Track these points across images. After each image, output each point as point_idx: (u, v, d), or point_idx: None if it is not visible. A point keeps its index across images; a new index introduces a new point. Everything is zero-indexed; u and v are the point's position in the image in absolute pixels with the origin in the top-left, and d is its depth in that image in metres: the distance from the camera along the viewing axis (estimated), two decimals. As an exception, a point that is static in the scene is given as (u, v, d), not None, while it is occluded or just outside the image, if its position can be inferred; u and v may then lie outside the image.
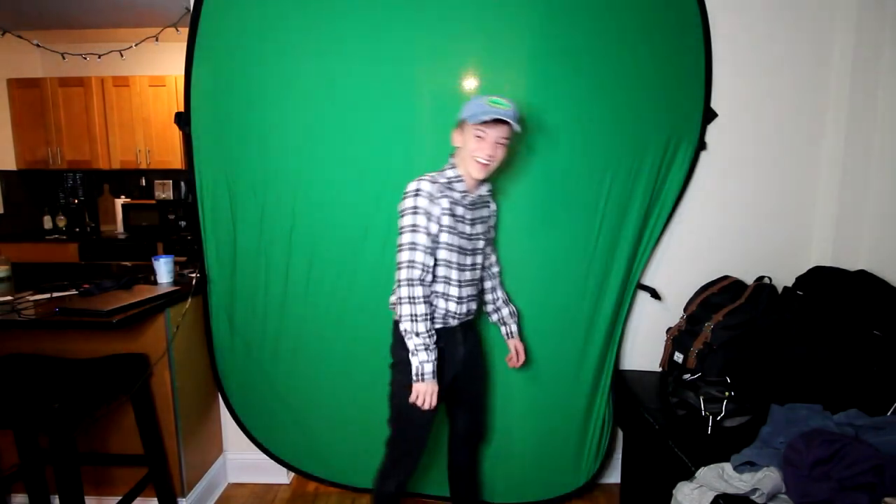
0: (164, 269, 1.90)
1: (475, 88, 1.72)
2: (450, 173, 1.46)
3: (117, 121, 3.87)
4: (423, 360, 1.37)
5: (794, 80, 1.86)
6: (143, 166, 3.92)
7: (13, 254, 2.86)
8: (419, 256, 1.38)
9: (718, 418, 1.54)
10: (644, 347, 2.01)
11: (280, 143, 1.77)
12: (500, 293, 1.74)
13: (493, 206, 1.65)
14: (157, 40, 3.64)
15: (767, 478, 1.19)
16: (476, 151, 1.40)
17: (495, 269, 1.72)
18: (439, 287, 1.46)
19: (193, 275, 1.91)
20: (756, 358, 1.69)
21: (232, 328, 1.91)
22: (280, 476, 2.14)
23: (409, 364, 1.40)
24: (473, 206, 1.51)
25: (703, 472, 1.28)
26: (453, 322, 1.51)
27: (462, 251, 1.47)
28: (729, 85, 1.85)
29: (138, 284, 1.90)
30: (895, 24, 1.71)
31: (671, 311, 1.96)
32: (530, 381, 1.89)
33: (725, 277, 1.89)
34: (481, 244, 1.56)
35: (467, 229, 1.49)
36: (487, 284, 1.71)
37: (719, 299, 1.79)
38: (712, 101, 1.84)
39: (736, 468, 1.25)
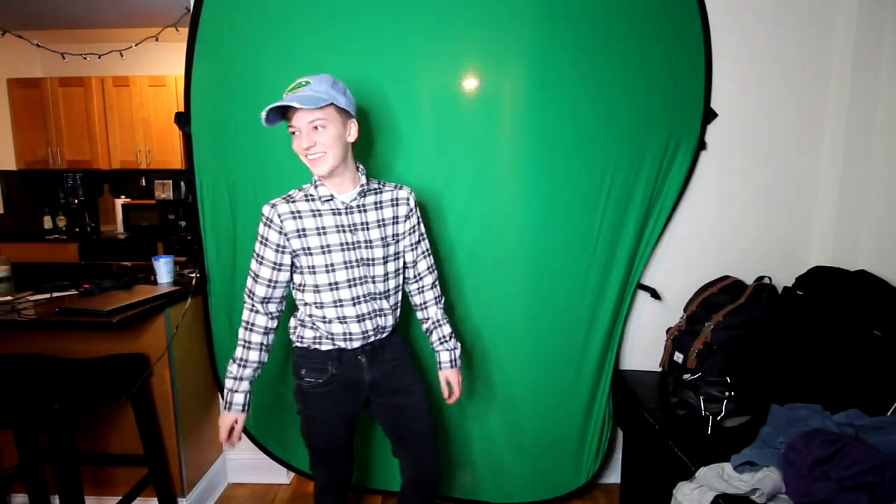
0: (164, 269, 1.90)
1: (475, 88, 1.72)
2: (313, 182, 1.35)
3: (117, 121, 3.87)
4: (226, 388, 1.34)
5: (795, 79, 1.86)
6: (143, 166, 3.93)
7: (13, 254, 2.85)
8: (249, 283, 1.35)
9: (718, 418, 1.54)
10: (644, 347, 2.01)
11: (280, 143, 1.77)
12: (431, 312, 1.48)
13: (405, 204, 1.41)
14: (157, 40, 3.64)
15: (767, 478, 1.19)
16: (299, 151, 1.28)
17: (426, 281, 1.46)
18: (316, 312, 1.34)
19: (193, 275, 1.91)
20: (756, 358, 1.69)
21: (232, 328, 1.91)
22: (280, 476, 2.14)
23: (301, 391, 1.40)
24: (352, 209, 1.33)
25: (703, 472, 1.28)
26: (349, 344, 1.35)
27: (336, 267, 1.30)
28: (729, 85, 1.84)
29: (138, 284, 1.90)
30: (895, 25, 1.71)
31: (671, 311, 1.96)
32: (530, 382, 1.88)
33: (725, 277, 1.89)
34: (380, 252, 1.35)
35: (347, 238, 1.31)
36: (417, 300, 1.49)
37: (719, 299, 1.79)
38: (712, 101, 1.84)
39: (736, 468, 1.25)
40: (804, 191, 1.93)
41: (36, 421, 1.36)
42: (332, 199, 1.32)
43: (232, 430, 1.33)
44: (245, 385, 1.34)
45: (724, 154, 1.89)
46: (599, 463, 1.98)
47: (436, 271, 1.50)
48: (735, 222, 1.95)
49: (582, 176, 1.77)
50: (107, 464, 1.85)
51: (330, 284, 1.31)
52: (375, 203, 1.37)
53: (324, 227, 1.30)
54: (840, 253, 1.86)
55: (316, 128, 1.24)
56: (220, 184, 1.81)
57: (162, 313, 1.74)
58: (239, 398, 1.33)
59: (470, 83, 1.73)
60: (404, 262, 1.44)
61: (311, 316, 1.35)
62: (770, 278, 1.86)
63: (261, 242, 1.31)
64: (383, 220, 1.37)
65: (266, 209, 1.30)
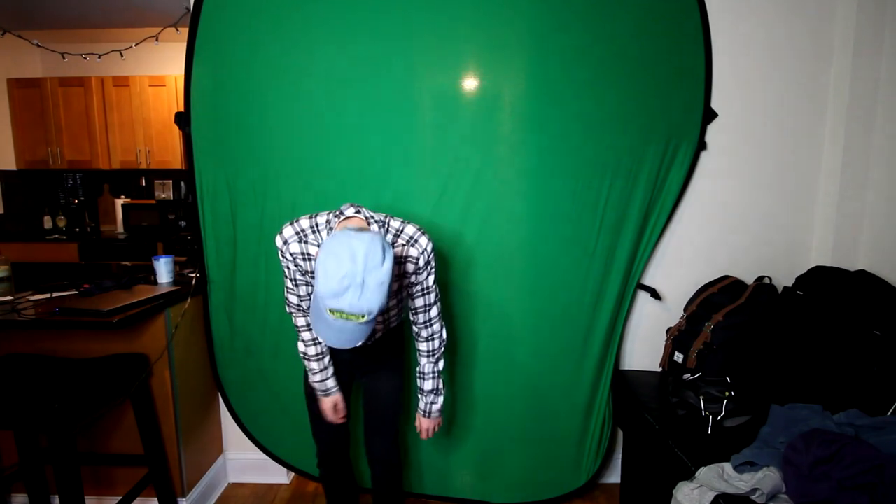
0: (164, 269, 1.90)
1: (475, 88, 1.72)
2: (322, 220, 1.27)
3: (117, 121, 3.87)
4: (316, 381, 1.42)
5: (794, 79, 1.86)
6: (143, 166, 3.92)
7: (13, 254, 2.86)
8: (293, 299, 1.36)
9: (718, 418, 1.54)
10: (644, 347, 2.01)
11: (280, 143, 1.77)
12: (421, 362, 1.46)
13: (412, 263, 1.28)
14: (157, 40, 3.63)
15: (767, 478, 1.19)
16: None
17: (421, 334, 1.41)
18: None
19: (193, 275, 1.91)
20: (756, 358, 1.69)
21: (232, 328, 1.91)
22: (280, 476, 2.14)
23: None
24: None
25: (703, 472, 1.28)
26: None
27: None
28: (729, 85, 1.84)
29: (138, 284, 1.90)
30: (895, 25, 1.71)
31: (671, 311, 1.96)
32: (530, 381, 1.89)
33: (725, 277, 1.89)
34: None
35: None
36: (416, 341, 1.46)
37: (719, 299, 1.79)
38: (712, 101, 1.84)
39: (736, 468, 1.25)
40: (804, 190, 1.93)
41: (36, 421, 1.36)
42: None
43: (335, 408, 1.45)
44: (332, 369, 1.43)
45: (724, 154, 1.89)
46: (599, 463, 1.98)
47: (435, 336, 1.42)
48: (735, 222, 1.94)
49: (582, 176, 1.77)
50: (107, 464, 1.85)
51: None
52: None
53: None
54: (840, 253, 1.86)
55: None
56: (220, 184, 1.81)
57: (162, 313, 1.74)
58: (332, 382, 1.43)
59: (470, 83, 1.73)
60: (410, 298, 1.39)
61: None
62: (770, 278, 1.86)
63: (286, 268, 1.31)
64: None
65: (278, 241, 1.28)
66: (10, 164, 3.95)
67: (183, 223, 4.07)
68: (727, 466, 1.27)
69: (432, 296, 1.36)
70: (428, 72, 1.72)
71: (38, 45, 3.76)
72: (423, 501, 2.03)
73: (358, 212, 1.25)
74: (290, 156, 1.77)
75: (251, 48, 1.73)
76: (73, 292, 1.80)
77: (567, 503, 2.00)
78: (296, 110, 1.75)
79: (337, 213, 1.26)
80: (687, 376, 1.70)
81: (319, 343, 1.39)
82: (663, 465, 1.49)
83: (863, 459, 1.08)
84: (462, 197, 1.76)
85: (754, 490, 1.19)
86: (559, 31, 1.71)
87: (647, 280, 1.97)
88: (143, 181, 4.24)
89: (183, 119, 1.80)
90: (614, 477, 2.12)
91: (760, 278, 1.86)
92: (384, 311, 1.36)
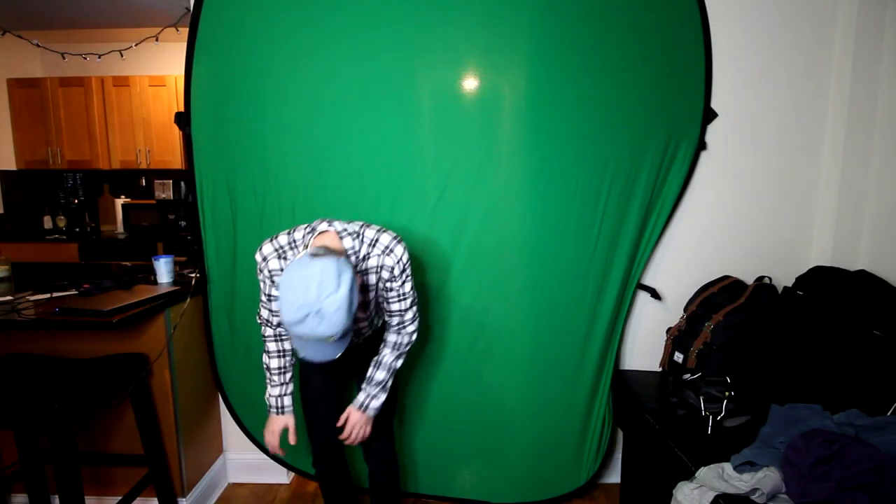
0: (164, 269, 1.90)
1: (475, 88, 1.72)
2: (298, 235, 1.30)
3: (117, 121, 3.87)
4: (272, 395, 1.43)
5: (795, 79, 1.86)
6: (143, 166, 3.92)
7: (13, 254, 2.85)
8: (265, 314, 1.39)
9: (718, 418, 1.54)
10: (644, 347, 2.01)
11: (280, 143, 1.77)
12: (383, 352, 1.44)
13: (388, 271, 1.30)
14: (157, 40, 3.64)
15: (767, 478, 1.19)
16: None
17: (391, 328, 1.43)
18: None
19: (193, 275, 1.91)
20: (756, 358, 1.69)
21: (232, 328, 1.91)
22: (280, 476, 2.14)
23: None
24: None
25: (703, 472, 1.28)
26: None
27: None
28: (729, 85, 1.84)
29: (138, 284, 1.90)
30: (895, 25, 1.71)
31: (671, 311, 1.96)
32: (530, 381, 1.89)
33: (725, 277, 1.89)
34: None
35: None
36: (386, 335, 1.46)
37: (719, 299, 1.79)
38: (712, 101, 1.84)
39: (736, 468, 1.25)
40: (804, 191, 1.93)
41: (36, 421, 1.36)
42: None
43: (282, 431, 1.43)
44: (291, 387, 1.45)
45: (724, 154, 1.89)
46: (599, 463, 1.98)
47: (405, 333, 1.43)
48: (735, 222, 1.94)
49: (582, 176, 1.77)
50: (107, 464, 1.85)
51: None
52: (359, 272, 1.30)
53: None
54: (840, 253, 1.86)
55: None
56: (220, 184, 1.81)
57: (162, 313, 1.74)
58: (288, 400, 1.44)
59: (470, 83, 1.73)
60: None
61: None
62: (770, 278, 1.86)
63: (262, 283, 1.34)
64: (364, 285, 1.32)
65: (258, 257, 1.32)
66: (10, 164, 3.95)
67: (183, 223, 4.07)
68: (727, 466, 1.27)
69: (408, 301, 1.39)
70: (428, 72, 1.72)
71: (38, 45, 3.76)
72: (422, 501, 2.03)
73: (330, 225, 1.27)
74: (290, 156, 1.77)
75: (251, 48, 1.73)
76: (73, 292, 1.80)
77: (567, 503, 2.00)
78: (296, 110, 1.75)
79: (309, 229, 1.29)
80: (687, 376, 1.70)
81: (284, 357, 1.44)
82: (663, 465, 1.49)
83: (863, 459, 1.08)
84: (462, 197, 1.76)
85: (754, 490, 1.19)
86: (559, 32, 1.70)
87: (647, 280, 1.97)
88: (143, 181, 4.24)
89: (183, 119, 1.80)
90: (614, 477, 2.11)
91: (760, 278, 1.86)
92: (370, 318, 1.44)
